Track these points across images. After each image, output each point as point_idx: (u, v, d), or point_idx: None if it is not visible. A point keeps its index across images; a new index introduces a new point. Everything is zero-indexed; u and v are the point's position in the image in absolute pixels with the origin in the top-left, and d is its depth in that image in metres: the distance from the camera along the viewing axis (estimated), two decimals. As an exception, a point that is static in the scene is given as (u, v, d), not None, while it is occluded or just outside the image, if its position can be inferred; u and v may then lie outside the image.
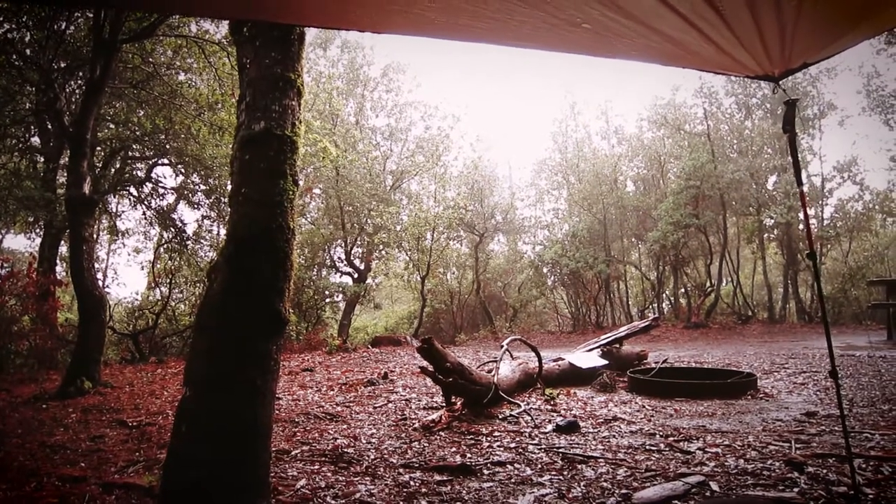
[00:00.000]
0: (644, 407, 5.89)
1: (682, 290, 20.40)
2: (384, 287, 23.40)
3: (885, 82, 17.92)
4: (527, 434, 4.82)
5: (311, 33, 18.14)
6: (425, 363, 5.69)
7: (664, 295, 21.09)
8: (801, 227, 17.83)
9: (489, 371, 6.44)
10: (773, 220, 18.10)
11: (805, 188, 17.47)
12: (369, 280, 19.18)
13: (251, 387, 3.13)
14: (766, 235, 19.04)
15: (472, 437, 4.75)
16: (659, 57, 2.83)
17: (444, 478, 3.67)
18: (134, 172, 14.72)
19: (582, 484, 3.48)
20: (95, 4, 6.08)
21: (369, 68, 19.72)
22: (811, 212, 18.58)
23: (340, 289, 18.34)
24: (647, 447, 4.24)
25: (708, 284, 19.17)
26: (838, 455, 3.73)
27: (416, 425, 5.19)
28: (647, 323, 9.46)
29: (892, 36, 14.72)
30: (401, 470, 3.84)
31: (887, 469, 3.48)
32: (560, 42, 2.66)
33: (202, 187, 14.92)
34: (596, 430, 4.90)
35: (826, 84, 18.94)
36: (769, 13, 2.29)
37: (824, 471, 3.51)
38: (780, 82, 3.12)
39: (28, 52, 9.60)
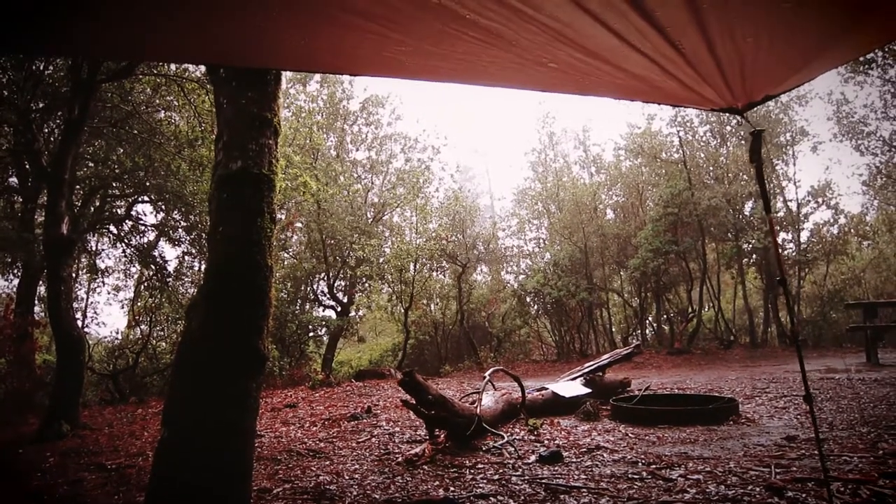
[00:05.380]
0: (627, 435, 5.90)
1: (665, 316, 20.50)
2: (368, 320, 23.25)
3: (854, 109, 18.42)
4: (510, 465, 4.81)
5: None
6: (408, 396, 5.67)
7: (647, 321, 21.18)
8: (780, 252, 18.02)
9: (472, 403, 6.43)
10: (750, 246, 18.32)
11: (781, 213, 17.95)
12: (352, 313, 19.07)
13: (230, 426, 3.12)
14: (744, 260, 19.25)
15: (455, 469, 4.73)
16: (625, 93, 2.92)
17: (427, 513, 3.65)
18: (114, 210, 14.63)
19: (564, 515, 3.49)
20: (70, 54, 6.11)
21: (349, 102, 19.89)
22: (788, 236, 18.89)
23: (324, 322, 18.20)
24: (630, 475, 4.25)
25: (690, 310, 19.29)
26: (817, 479, 3.76)
27: (400, 459, 5.16)
28: (629, 350, 9.49)
29: (859, 64, 15.18)
30: (383, 506, 3.82)
31: (865, 492, 3.52)
32: (529, 81, 2.74)
33: (183, 224, 14.85)
34: (579, 460, 4.90)
35: (798, 111, 19.40)
36: (727, 51, 2.39)
37: (803, 495, 3.54)
38: (746, 114, 3.21)
39: (5, 92, 9.61)
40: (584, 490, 3.93)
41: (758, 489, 3.71)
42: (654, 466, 4.48)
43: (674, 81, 2.69)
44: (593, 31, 2.20)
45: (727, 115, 19.51)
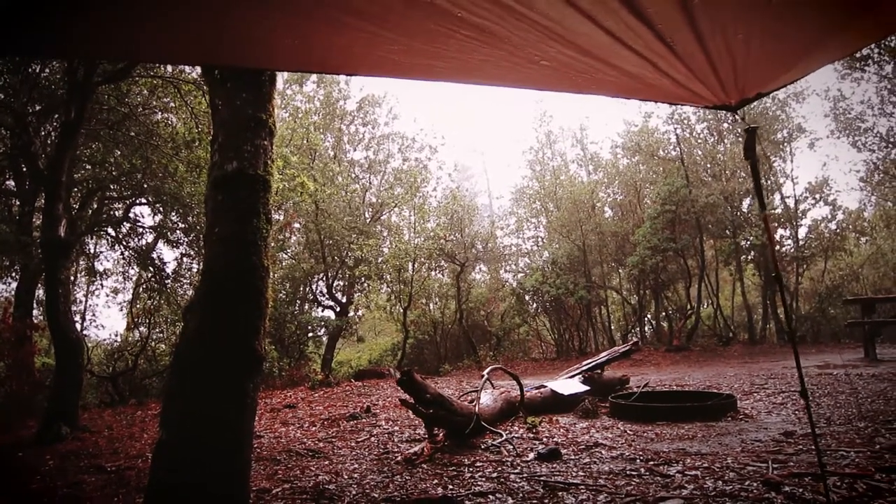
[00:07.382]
0: (625, 432, 5.92)
1: (664, 313, 20.50)
2: (367, 320, 23.24)
3: (850, 105, 18.41)
4: (509, 463, 4.82)
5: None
6: (407, 395, 5.68)
7: (646, 319, 21.18)
8: (775, 248, 18.08)
9: (471, 401, 6.44)
10: (748, 242, 18.32)
11: (779, 210, 17.94)
12: (351, 313, 19.07)
13: (228, 426, 3.12)
14: (742, 257, 19.25)
15: (454, 468, 4.74)
16: (618, 91, 2.92)
17: (426, 511, 3.66)
18: (112, 213, 14.61)
19: (562, 512, 3.49)
20: (66, 55, 6.08)
21: (345, 102, 19.89)
22: (786, 233, 18.90)
23: (323, 323, 18.21)
24: (628, 472, 4.26)
25: (688, 307, 19.30)
26: (814, 474, 3.77)
27: (399, 458, 5.17)
28: (627, 348, 9.50)
29: (855, 60, 15.17)
30: (382, 505, 3.83)
31: (861, 486, 3.53)
32: (523, 79, 2.74)
33: (181, 225, 14.81)
34: (577, 457, 4.91)
35: (795, 108, 19.37)
36: (719, 48, 2.39)
37: (800, 490, 3.54)
38: (739, 111, 3.22)
39: (1, 95, 9.60)
40: (582, 487, 3.94)
41: (755, 484, 3.72)
42: (651, 463, 4.49)
43: (667, 79, 2.69)
44: (584, 28, 2.20)
45: (723, 112, 19.59)
